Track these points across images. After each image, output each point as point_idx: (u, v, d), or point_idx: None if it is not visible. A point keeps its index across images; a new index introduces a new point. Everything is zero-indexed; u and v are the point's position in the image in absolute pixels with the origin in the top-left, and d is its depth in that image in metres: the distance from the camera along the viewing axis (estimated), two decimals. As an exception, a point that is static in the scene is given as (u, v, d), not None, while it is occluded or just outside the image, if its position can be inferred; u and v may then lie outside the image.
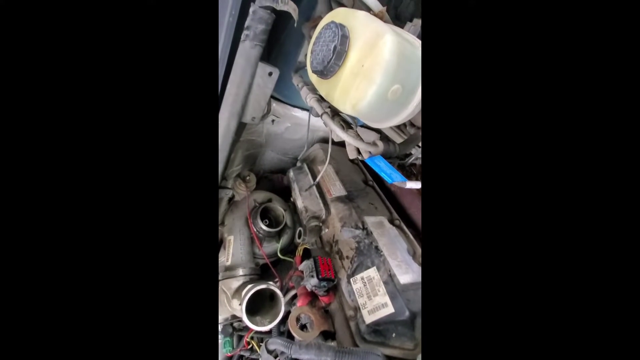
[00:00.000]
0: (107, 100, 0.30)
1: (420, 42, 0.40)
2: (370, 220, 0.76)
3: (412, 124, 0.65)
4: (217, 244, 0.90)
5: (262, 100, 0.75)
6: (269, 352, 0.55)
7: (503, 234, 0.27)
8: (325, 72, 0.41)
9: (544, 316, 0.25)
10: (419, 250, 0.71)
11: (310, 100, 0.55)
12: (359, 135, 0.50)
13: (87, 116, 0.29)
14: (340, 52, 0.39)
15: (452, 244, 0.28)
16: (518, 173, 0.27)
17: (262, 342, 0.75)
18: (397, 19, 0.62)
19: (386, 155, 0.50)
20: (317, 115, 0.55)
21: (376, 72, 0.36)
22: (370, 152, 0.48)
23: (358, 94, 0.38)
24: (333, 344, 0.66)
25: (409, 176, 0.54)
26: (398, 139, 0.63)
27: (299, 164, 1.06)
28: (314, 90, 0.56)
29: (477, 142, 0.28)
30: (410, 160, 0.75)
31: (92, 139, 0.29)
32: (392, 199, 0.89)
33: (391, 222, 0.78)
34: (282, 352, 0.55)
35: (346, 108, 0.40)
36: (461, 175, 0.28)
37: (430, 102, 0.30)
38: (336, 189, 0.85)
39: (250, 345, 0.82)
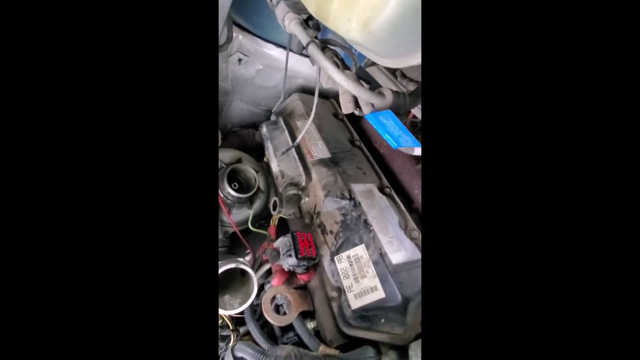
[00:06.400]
0: (104, 89, 0.28)
1: None
2: (358, 188, 0.65)
3: (404, 76, 0.51)
4: (217, 239, 0.76)
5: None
6: (236, 359, 0.46)
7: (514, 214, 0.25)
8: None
9: (546, 312, 0.25)
10: (411, 223, 0.62)
11: (290, 24, 0.37)
12: (359, 79, 0.35)
13: (84, 102, 0.28)
14: None
15: (453, 222, 0.26)
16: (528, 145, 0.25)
17: (234, 321, 0.67)
18: None
19: (395, 110, 0.37)
20: (299, 51, 0.39)
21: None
22: (372, 105, 0.34)
23: (373, 3, 0.23)
24: (312, 324, 0.59)
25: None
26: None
27: (273, 117, 0.90)
28: (295, 8, 0.39)
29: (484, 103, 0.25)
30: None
31: (88, 127, 0.28)
32: (380, 162, 0.78)
33: (381, 190, 0.68)
34: None
35: (351, 29, 0.25)
36: (467, 141, 0.26)
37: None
38: (319, 150, 0.72)
39: (222, 322, 0.73)
